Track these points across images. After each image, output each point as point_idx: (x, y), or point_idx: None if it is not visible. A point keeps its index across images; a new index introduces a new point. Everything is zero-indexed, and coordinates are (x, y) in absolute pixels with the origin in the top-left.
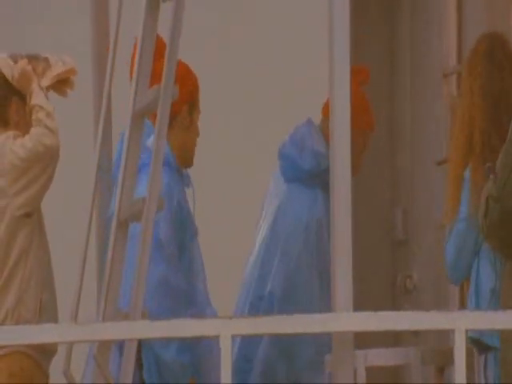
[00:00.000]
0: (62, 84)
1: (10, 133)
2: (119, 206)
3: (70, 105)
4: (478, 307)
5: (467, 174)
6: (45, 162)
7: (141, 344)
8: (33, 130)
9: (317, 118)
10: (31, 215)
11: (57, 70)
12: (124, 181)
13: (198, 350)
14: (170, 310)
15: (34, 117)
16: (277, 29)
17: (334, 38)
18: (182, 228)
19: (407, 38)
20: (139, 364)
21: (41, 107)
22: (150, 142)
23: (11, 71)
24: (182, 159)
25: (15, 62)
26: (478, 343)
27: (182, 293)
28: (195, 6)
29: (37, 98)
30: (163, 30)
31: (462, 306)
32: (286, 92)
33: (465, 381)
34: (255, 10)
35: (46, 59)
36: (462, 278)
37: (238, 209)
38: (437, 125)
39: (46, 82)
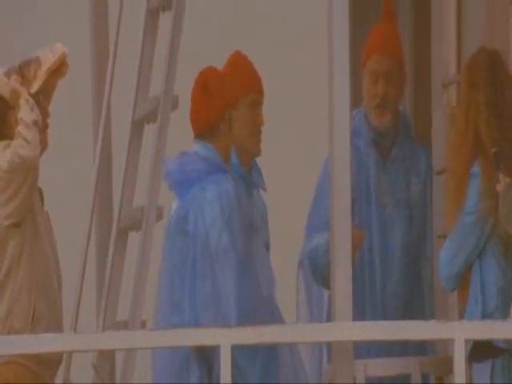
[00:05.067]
0: (57, 71)
1: (1, 144)
2: (119, 214)
3: (70, 114)
4: (484, 307)
5: (476, 169)
6: (23, 172)
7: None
8: (13, 142)
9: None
10: (20, 225)
11: (46, 65)
12: (123, 189)
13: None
14: (257, 319)
15: (16, 130)
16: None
17: (334, 49)
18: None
19: (407, 48)
20: (208, 368)
21: (21, 119)
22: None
23: (5, 89)
24: (242, 160)
25: (9, 78)
26: None
27: (263, 299)
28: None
29: (21, 111)
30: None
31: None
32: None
33: None
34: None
35: (37, 59)
36: (457, 279)
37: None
38: (435, 135)
39: (37, 84)
